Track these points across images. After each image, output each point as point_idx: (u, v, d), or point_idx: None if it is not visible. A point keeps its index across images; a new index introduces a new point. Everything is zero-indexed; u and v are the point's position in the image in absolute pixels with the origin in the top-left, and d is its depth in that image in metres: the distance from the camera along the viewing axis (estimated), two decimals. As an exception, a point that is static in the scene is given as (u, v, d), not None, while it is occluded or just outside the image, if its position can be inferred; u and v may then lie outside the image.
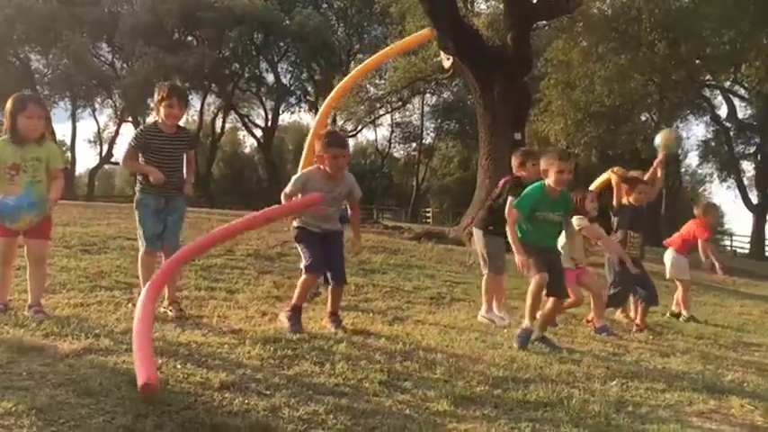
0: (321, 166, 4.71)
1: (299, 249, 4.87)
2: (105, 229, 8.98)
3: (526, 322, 4.75)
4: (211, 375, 3.25)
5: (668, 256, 7.67)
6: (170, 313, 4.67)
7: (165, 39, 37.01)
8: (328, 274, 4.82)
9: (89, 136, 54.80)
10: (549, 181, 4.79)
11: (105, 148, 42.96)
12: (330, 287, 4.88)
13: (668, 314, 7.37)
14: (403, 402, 3.18)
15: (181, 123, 5.09)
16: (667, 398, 3.70)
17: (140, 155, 4.79)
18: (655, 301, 6.15)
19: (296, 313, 4.61)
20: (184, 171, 5.00)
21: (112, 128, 43.38)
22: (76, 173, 47.97)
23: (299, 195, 4.73)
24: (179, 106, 4.83)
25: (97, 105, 42.98)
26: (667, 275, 7.76)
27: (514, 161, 5.96)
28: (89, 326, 4.06)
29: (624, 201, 6.38)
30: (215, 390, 3.06)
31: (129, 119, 40.46)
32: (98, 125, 44.97)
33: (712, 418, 3.45)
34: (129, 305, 4.73)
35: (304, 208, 4.71)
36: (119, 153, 34.94)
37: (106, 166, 45.66)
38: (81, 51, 35.59)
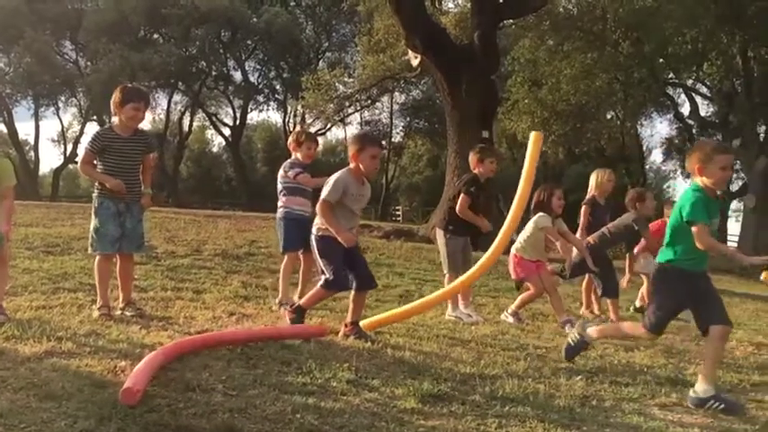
0: (354, 167, 4.48)
1: (321, 263, 4.49)
2: (69, 230, 8.84)
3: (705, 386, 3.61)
4: (176, 377, 3.22)
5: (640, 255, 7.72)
6: (127, 314, 4.62)
7: (131, 36, 36.51)
8: (353, 282, 4.54)
9: (53, 135, 53.76)
10: (708, 181, 3.64)
11: (70, 147, 42.22)
12: (354, 294, 4.56)
13: (632, 309, 7.48)
14: (370, 400, 3.18)
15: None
16: (630, 391, 3.76)
17: (98, 159, 4.69)
18: (613, 293, 6.23)
19: (300, 315, 4.51)
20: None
21: (77, 127, 42.73)
22: (40, 173, 47.20)
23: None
24: (144, 111, 4.78)
25: (61, 104, 42.19)
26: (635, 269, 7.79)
27: (473, 157, 6.00)
28: (51, 328, 3.99)
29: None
30: (180, 391, 3.03)
31: (94, 118, 39.81)
32: (62, 124, 44.19)
33: (674, 410, 3.51)
34: (93, 307, 4.66)
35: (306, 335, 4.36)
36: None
37: (71, 166, 44.83)
38: (44, 49, 34.99)
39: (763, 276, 4.87)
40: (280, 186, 5.74)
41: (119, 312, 4.66)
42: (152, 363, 3.14)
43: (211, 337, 4.00)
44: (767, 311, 9.10)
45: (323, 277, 4.49)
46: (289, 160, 5.78)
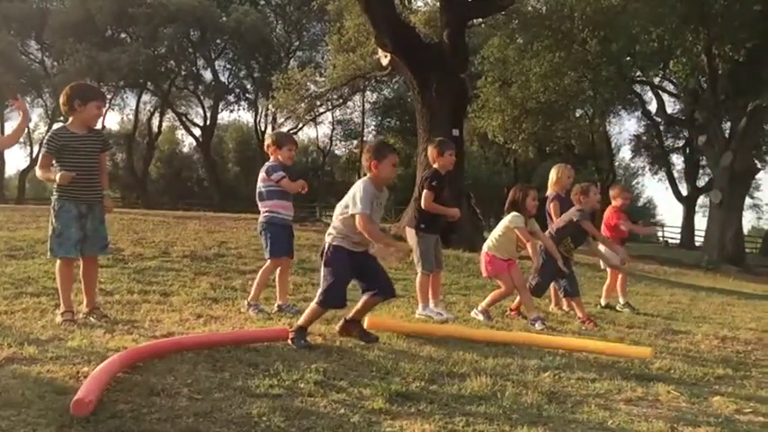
0: (373, 176, 4.37)
1: (323, 273, 4.37)
2: (34, 233, 8.67)
3: None
4: (140, 381, 3.18)
5: (602, 247, 7.80)
6: (92, 319, 4.55)
7: (97, 36, 36.02)
8: (372, 291, 4.47)
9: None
10: None
11: (36, 149, 41.47)
12: (368, 297, 4.48)
13: (599, 306, 7.55)
14: (338, 402, 3.16)
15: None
16: (597, 387, 3.80)
17: (55, 160, 4.57)
18: (576, 293, 6.30)
19: (301, 333, 4.29)
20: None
21: (43, 128, 41.95)
22: (6, 175, 46.30)
23: None
24: (103, 108, 4.72)
25: (26, 105, 41.36)
26: (602, 266, 7.89)
27: (432, 151, 5.98)
28: (13, 334, 3.92)
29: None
30: (143, 396, 2.98)
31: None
32: (27, 126, 43.39)
33: (639, 405, 3.55)
34: (57, 312, 4.58)
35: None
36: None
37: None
38: (8, 49, 34.38)
39: None
40: (262, 190, 5.59)
41: (81, 316, 4.58)
42: (106, 371, 3.07)
43: (172, 342, 3.93)
44: (733, 305, 9.28)
45: (318, 295, 4.37)
46: (269, 163, 5.63)
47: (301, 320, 4.39)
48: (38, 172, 4.71)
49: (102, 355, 3.57)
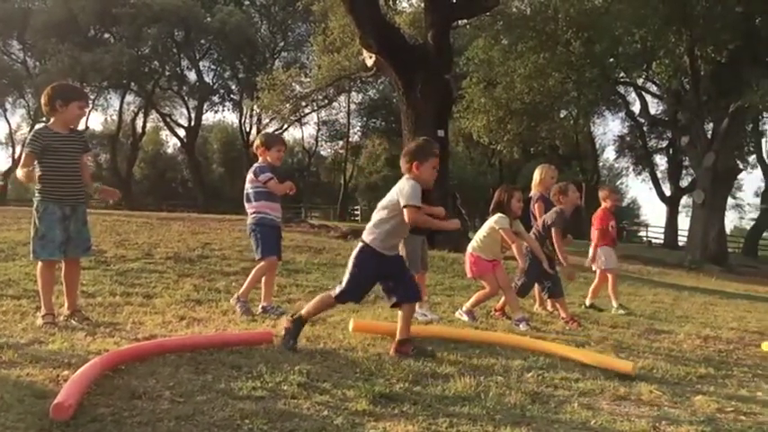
0: (412, 176, 4.29)
1: (349, 269, 4.33)
2: (15, 235, 8.58)
3: None
4: (121, 384, 3.15)
5: (596, 252, 7.77)
6: (74, 322, 4.50)
7: (80, 36, 35.77)
8: (390, 294, 4.38)
9: (0, 137, 52.24)
10: None
11: (18, 149, 41.08)
12: (400, 310, 4.37)
13: (584, 306, 7.56)
14: (321, 403, 3.15)
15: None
16: (580, 387, 3.81)
17: (37, 161, 4.50)
18: (560, 294, 6.32)
19: (296, 328, 4.22)
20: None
21: (25, 129, 41.59)
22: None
23: None
24: (85, 109, 4.68)
25: (8, 106, 41.12)
26: (594, 268, 7.84)
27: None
28: (-8, 337, 3.87)
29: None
30: (125, 399, 2.95)
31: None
32: (9, 126, 43.09)
33: (622, 404, 3.56)
34: (37, 314, 4.53)
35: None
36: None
37: (19, 169, 43.67)
38: (-11, 49, 33.98)
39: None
40: (249, 191, 5.56)
41: (62, 318, 4.54)
42: (86, 375, 3.04)
43: (154, 344, 3.89)
44: (715, 305, 9.36)
45: (337, 286, 4.35)
46: (258, 164, 5.61)
47: (305, 310, 4.32)
48: (19, 172, 4.62)
49: (83, 358, 3.54)
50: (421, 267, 5.94)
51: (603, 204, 7.82)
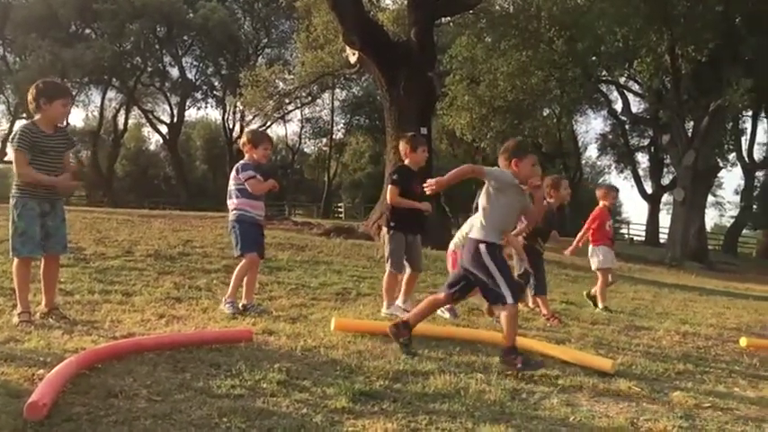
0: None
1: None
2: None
3: None
4: (98, 383, 3.11)
5: (593, 250, 7.73)
6: (51, 320, 4.45)
7: (61, 31, 35.39)
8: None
9: (-21, 134, 51.47)
10: None
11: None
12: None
13: (584, 294, 7.60)
14: (301, 401, 3.14)
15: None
16: (560, 383, 3.82)
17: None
18: (543, 291, 6.33)
19: (408, 329, 4.40)
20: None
21: (5, 125, 41.11)
22: (-35, 173, 45.20)
23: None
24: (69, 106, 4.63)
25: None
26: (593, 267, 7.79)
27: (404, 147, 5.92)
28: (-33, 336, 3.82)
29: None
30: (101, 398, 2.92)
31: (24, 115, 38.30)
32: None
33: (601, 401, 3.59)
34: (14, 312, 4.47)
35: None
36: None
37: (0, 165, 43.11)
38: (-33, 44, 33.53)
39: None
40: (232, 188, 5.52)
41: (39, 316, 4.48)
42: (62, 373, 3.00)
43: (132, 343, 3.86)
44: (694, 301, 9.44)
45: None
46: (242, 162, 5.58)
47: (411, 315, 4.55)
48: (23, 170, 4.44)
49: (60, 356, 3.49)
50: (412, 268, 5.90)
51: (602, 203, 7.75)
